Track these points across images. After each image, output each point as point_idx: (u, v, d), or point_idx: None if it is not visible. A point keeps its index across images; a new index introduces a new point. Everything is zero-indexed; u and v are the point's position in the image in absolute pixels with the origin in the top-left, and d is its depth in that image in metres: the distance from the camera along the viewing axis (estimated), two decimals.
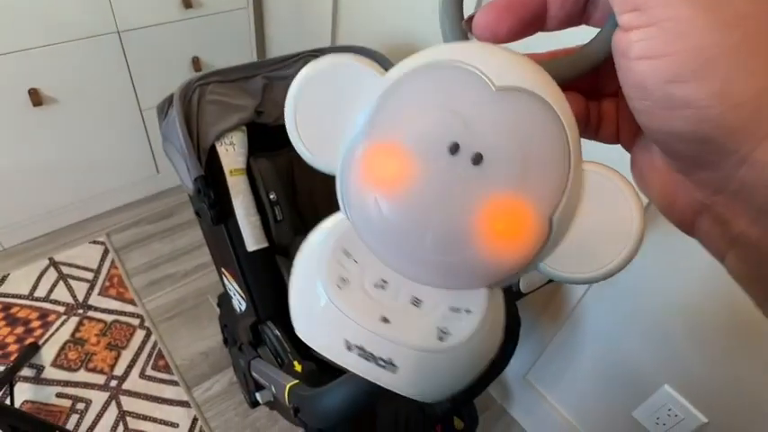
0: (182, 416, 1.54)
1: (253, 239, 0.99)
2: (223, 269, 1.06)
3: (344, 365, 0.23)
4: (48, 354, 1.61)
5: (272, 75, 1.13)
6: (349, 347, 0.22)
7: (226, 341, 1.52)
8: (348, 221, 0.24)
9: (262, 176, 1.03)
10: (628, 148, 0.25)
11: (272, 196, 1.02)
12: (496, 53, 0.20)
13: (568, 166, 0.19)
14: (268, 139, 1.16)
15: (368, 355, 0.22)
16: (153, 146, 1.92)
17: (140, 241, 1.93)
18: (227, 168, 0.99)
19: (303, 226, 1.22)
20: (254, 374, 0.93)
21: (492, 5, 0.22)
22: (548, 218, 0.19)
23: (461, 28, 0.22)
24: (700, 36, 0.18)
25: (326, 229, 0.25)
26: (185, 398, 1.57)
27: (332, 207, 0.80)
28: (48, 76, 1.57)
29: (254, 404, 1.06)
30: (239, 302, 1.03)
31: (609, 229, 0.20)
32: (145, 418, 1.53)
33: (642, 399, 1.13)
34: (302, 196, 1.20)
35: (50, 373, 1.58)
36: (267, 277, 1.02)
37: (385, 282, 0.22)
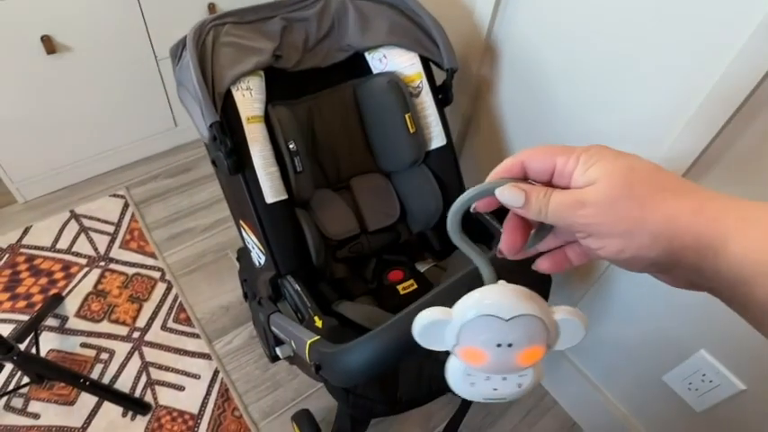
0: (203, 368, 1.51)
1: (272, 191, 0.92)
2: (241, 221, 1.00)
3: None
4: (71, 305, 1.58)
5: (290, 16, 1.03)
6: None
7: (245, 295, 1.47)
8: None
9: (281, 125, 0.95)
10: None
11: (291, 146, 0.94)
12: (506, 295, 0.36)
13: (547, 331, 0.36)
14: (287, 85, 1.08)
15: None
16: (170, 98, 1.83)
17: (159, 195, 1.87)
18: (243, 115, 0.91)
19: (324, 178, 1.15)
20: (273, 329, 0.87)
21: (505, 232, 0.41)
22: (546, 347, 0.37)
23: (461, 235, 0.40)
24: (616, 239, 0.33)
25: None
26: (206, 350, 1.54)
27: (353, 159, 0.91)
28: (61, 23, 1.48)
29: (275, 359, 1.01)
30: (258, 256, 0.97)
31: (570, 335, 0.37)
32: (167, 369, 1.50)
33: (675, 363, 1.05)
34: (323, 148, 1.12)
35: (74, 323, 1.55)
36: (287, 231, 0.95)
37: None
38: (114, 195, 1.84)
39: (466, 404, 1.15)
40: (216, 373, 1.50)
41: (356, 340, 0.63)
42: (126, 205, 1.82)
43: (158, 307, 1.62)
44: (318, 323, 0.83)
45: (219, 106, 0.88)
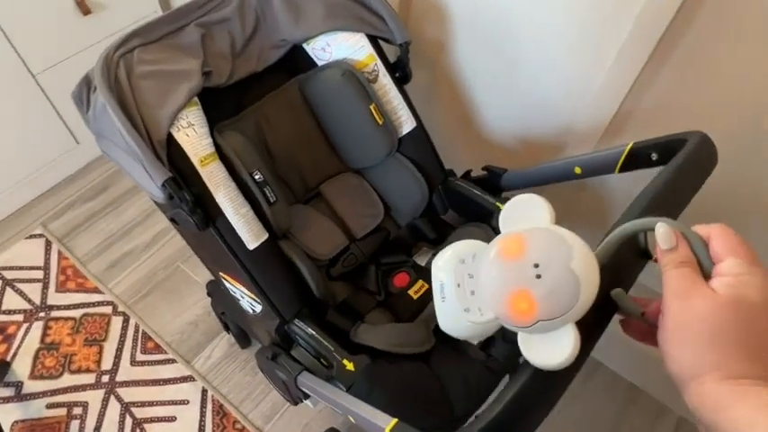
0: (189, 391, 1.33)
1: (251, 235, 0.73)
2: (222, 274, 0.81)
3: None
4: (21, 368, 1.31)
5: (206, 21, 0.79)
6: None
7: (226, 328, 1.28)
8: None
9: (237, 155, 0.74)
10: None
11: (257, 177, 0.75)
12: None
13: (561, 317, 0.34)
14: (223, 101, 0.85)
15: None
16: (62, 115, 1.48)
17: (83, 223, 1.56)
18: (195, 158, 0.70)
19: (291, 194, 0.96)
20: (303, 389, 0.72)
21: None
22: (536, 320, 0.35)
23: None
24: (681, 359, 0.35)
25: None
26: (187, 372, 1.36)
27: (317, 164, 0.89)
28: None
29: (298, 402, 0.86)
30: (251, 305, 0.80)
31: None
32: (151, 403, 1.31)
33: None
34: (281, 161, 0.91)
35: (32, 386, 1.30)
36: (278, 272, 0.77)
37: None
38: (31, 236, 1.51)
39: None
40: (204, 392, 1.33)
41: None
42: (48, 244, 1.50)
43: (121, 343, 1.39)
44: (350, 366, 0.70)
45: (165, 157, 0.67)
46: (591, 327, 0.38)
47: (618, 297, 0.41)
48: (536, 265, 0.36)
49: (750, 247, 0.36)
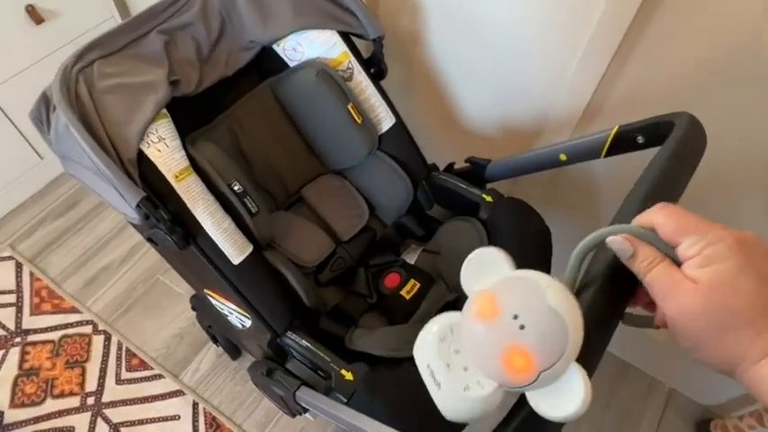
0: (180, 406, 1.29)
1: (235, 250, 0.70)
2: (207, 291, 0.77)
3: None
4: (0, 397, 1.27)
5: (168, 27, 0.74)
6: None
7: (214, 340, 1.24)
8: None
9: (214, 166, 0.71)
10: None
11: (236, 188, 0.71)
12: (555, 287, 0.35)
13: (560, 359, 0.32)
14: (193, 110, 0.81)
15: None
16: (21, 130, 1.41)
17: (54, 242, 1.49)
18: (169, 174, 0.66)
19: (273, 200, 0.92)
20: (301, 404, 0.70)
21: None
22: (538, 372, 0.32)
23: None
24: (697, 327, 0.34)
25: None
26: (176, 387, 1.32)
27: (297, 168, 0.87)
28: None
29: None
30: (240, 320, 0.76)
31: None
32: (141, 422, 1.27)
33: None
34: (259, 167, 0.88)
35: (13, 415, 1.25)
36: (266, 284, 0.74)
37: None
38: (0, 259, 1.45)
39: None
40: (195, 405, 1.30)
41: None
42: (19, 266, 1.44)
43: (104, 362, 1.34)
44: (348, 376, 0.68)
45: (137, 176, 0.63)
46: (592, 357, 0.36)
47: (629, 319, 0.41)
48: (515, 317, 0.33)
49: (692, 216, 0.36)
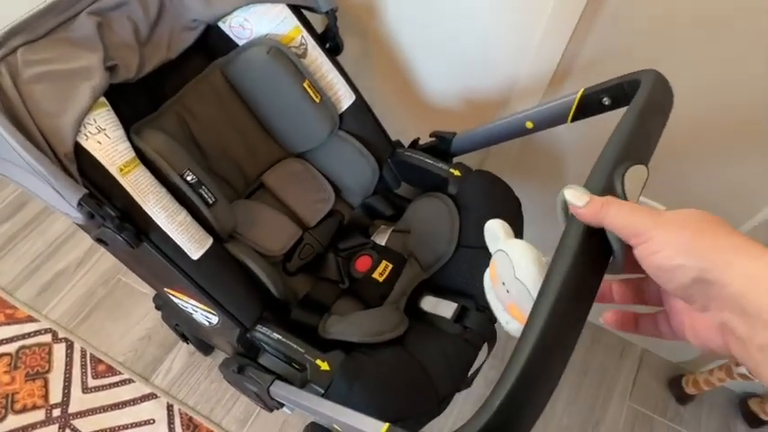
0: (153, 409, 1.25)
1: (193, 244, 0.65)
2: (167, 289, 0.72)
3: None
4: None
5: (100, 7, 0.68)
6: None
7: (184, 338, 1.19)
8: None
9: (163, 156, 0.65)
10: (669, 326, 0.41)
11: (189, 178, 0.66)
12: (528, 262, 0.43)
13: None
14: (137, 98, 0.75)
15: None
16: None
17: (2, 248, 1.40)
18: (113, 168, 0.60)
19: (232, 190, 0.87)
20: (277, 400, 0.66)
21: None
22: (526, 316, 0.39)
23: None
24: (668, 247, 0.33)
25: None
26: (147, 390, 1.27)
27: (255, 154, 0.85)
28: None
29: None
30: (206, 317, 0.72)
31: None
32: (113, 430, 1.22)
33: None
34: (214, 155, 0.83)
35: None
36: (230, 278, 0.69)
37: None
38: None
39: None
40: (170, 407, 1.25)
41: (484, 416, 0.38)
42: None
43: (68, 371, 1.28)
44: (324, 366, 0.65)
45: (76, 171, 0.57)
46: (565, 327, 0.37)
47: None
48: (503, 284, 0.44)
49: (639, 213, 0.36)
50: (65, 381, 1.26)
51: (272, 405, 0.70)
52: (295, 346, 0.68)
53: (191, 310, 0.74)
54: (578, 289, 0.37)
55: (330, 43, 0.84)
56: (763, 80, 0.73)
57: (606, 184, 0.41)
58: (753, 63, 0.72)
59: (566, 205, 0.41)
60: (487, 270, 0.48)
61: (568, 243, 0.38)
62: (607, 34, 0.79)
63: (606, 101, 0.65)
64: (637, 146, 0.47)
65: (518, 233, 0.81)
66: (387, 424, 0.47)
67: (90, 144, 0.59)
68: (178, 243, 0.64)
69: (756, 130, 0.80)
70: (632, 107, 0.52)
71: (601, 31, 0.79)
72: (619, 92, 0.63)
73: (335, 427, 0.56)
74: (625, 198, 0.42)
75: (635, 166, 0.43)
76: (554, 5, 0.77)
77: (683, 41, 0.75)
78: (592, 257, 0.39)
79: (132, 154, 0.64)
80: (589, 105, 0.67)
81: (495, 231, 0.49)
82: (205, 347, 1.26)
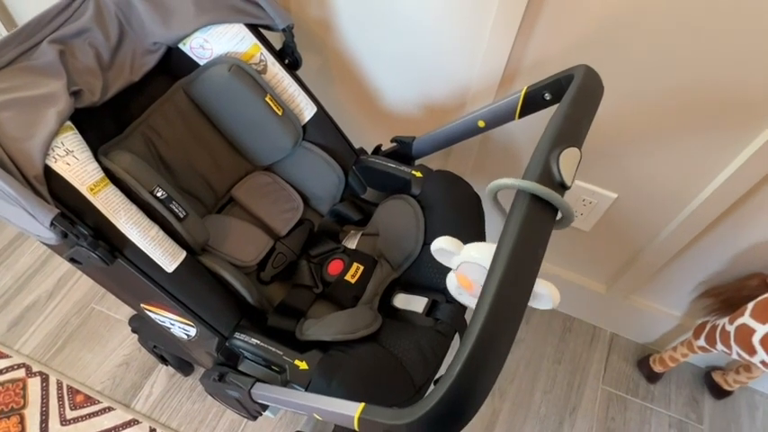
0: None
1: (167, 257, 0.67)
2: (143, 305, 0.74)
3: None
4: None
5: (61, 35, 0.70)
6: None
7: (164, 360, 1.19)
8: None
9: (131, 174, 0.68)
10: None
11: (159, 194, 0.69)
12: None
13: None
14: (101, 121, 0.77)
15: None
16: None
17: None
18: (83, 188, 0.62)
19: (202, 206, 0.90)
20: (260, 402, 0.68)
21: None
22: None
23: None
24: None
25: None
26: (129, 416, 1.26)
27: (223, 170, 0.88)
28: None
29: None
30: (184, 330, 0.74)
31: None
32: None
33: None
34: (183, 173, 0.85)
35: None
36: (206, 288, 0.71)
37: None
38: None
39: None
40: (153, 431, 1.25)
41: (440, 389, 0.41)
42: None
43: (44, 405, 1.26)
44: (303, 365, 0.67)
45: (46, 193, 0.59)
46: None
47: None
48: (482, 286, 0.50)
49: None
50: (42, 414, 1.24)
51: (253, 410, 0.72)
52: (273, 350, 0.70)
53: (168, 325, 0.75)
54: (529, 238, 0.44)
55: (289, 59, 0.88)
56: (690, 66, 0.79)
57: (544, 167, 0.46)
58: (681, 49, 0.78)
59: (495, 195, 0.51)
60: (452, 277, 0.55)
61: (517, 204, 0.46)
62: (550, 33, 0.84)
63: (548, 96, 0.70)
64: (570, 131, 0.52)
65: (480, 226, 0.85)
66: (362, 404, 0.50)
67: (59, 166, 0.61)
68: (152, 257, 0.66)
69: (690, 108, 0.86)
70: (565, 98, 0.57)
71: (543, 31, 0.84)
72: (557, 87, 0.68)
73: (316, 416, 0.58)
74: (561, 176, 0.46)
75: (568, 148, 0.48)
76: (495, 16, 0.82)
77: (622, 38, 0.80)
78: (539, 215, 0.46)
79: (101, 174, 0.66)
80: (533, 102, 0.72)
81: (446, 248, 0.55)
82: (185, 367, 1.26)
